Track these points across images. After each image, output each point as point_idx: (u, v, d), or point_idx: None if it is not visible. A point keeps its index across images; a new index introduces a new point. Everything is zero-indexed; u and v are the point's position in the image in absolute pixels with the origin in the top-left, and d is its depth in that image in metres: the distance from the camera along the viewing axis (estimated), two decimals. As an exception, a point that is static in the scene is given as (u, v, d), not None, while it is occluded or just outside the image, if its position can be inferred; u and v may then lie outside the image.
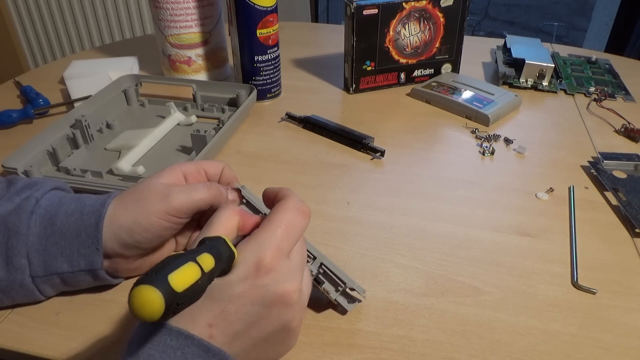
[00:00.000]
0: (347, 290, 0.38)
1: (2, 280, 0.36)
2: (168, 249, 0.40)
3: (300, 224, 0.32)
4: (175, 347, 0.26)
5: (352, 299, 0.38)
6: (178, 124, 0.64)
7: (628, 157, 0.57)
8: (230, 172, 0.41)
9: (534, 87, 0.75)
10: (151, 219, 0.35)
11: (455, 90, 0.70)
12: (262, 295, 0.29)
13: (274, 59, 0.69)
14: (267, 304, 0.29)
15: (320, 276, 0.37)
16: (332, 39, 0.94)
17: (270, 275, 0.29)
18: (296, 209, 0.32)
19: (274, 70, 0.70)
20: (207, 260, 0.27)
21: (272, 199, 0.35)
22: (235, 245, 0.30)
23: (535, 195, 0.53)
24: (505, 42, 0.85)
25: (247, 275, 0.29)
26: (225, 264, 0.29)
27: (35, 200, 0.37)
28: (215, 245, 0.29)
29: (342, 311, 0.39)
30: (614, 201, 0.51)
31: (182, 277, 0.25)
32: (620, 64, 0.84)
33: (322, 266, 0.37)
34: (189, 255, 0.27)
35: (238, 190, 0.39)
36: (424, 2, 0.69)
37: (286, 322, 0.30)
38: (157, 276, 0.24)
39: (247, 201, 0.38)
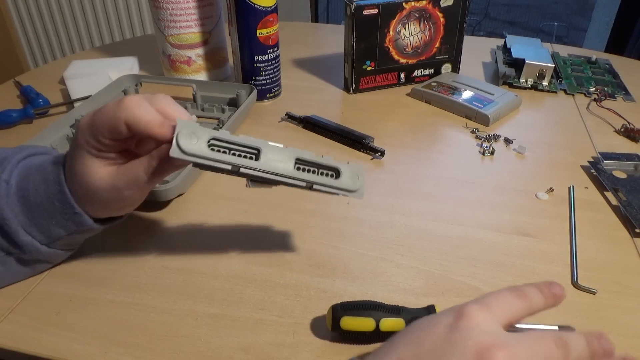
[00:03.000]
0: (343, 172, 0.36)
1: (27, 254, 0.38)
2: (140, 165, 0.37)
3: (519, 304, 0.29)
4: None
5: (353, 178, 0.37)
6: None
7: (628, 157, 0.57)
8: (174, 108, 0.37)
9: (534, 87, 0.75)
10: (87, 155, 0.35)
11: (455, 90, 0.70)
12: (457, 341, 0.26)
13: (274, 59, 0.69)
14: (461, 351, 0.26)
15: (305, 173, 0.35)
16: (332, 39, 0.94)
17: (470, 324, 0.26)
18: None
19: (274, 70, 0.70)
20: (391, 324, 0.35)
21: None
22: None
23: (535, 195, 0.53)
24: (505, 42, 0.85)
25: (446, 318, 0.27)
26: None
27: (5, 182, 0.37)
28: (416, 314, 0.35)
29: (358, 196, 0.37)
30: (614, 201, 0.51)
31: (352, 323, 0.35)
32: (620, 64, 0.84)
33: (299, 162, 0.35)
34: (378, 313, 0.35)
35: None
36: (424, 2, 0.69)
37: None
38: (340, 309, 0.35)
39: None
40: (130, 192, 0.36)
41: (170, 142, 0.33)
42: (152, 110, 0.34)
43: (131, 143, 0.37)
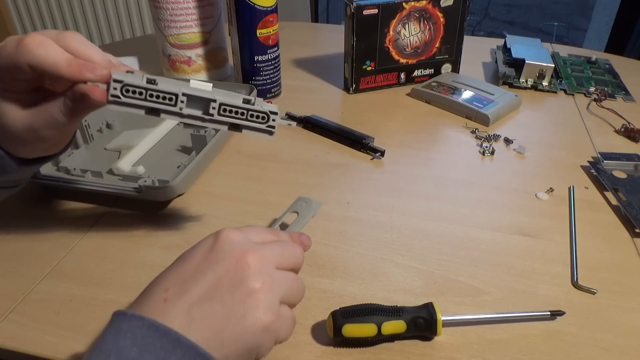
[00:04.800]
0: (266, 113, 0.36)
1: None
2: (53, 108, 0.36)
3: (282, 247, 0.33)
4: (126, 330, 0.26)
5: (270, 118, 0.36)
6: (178, 124, 0.64)
7: (628, 157, 0.57)
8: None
9: (534, 87, 0.75)
10: None
11: (455, 90, 0.70)
12: (216, 258, 0.29)
13: (274, 59, 0.69)
14: (220, 263, 0.29)
15: (229, 118, 0.35)
16: (332, 39, 0.94)
17: (227, 240, 0.30)
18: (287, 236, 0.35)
19: (274, 70, 0.70)
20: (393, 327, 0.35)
21: None
22: None
23: (535, 195, 0.53)
24: (505, 42, 0.85)
25: (205, 243, 0.30)
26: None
27: None
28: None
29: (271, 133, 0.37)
30: (614, 201, 0.51)
31: (354, 330, 0.35)
32: (620, 64, 0.84)
33: (223, 107, 0.34)
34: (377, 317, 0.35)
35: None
36: (424, 2, 0.69)
37: (242, 280, 0.29)
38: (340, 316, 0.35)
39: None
40: (49, 133, 0.34)
41: (83, 81, 0.32)
42: (57, 49, 0.32)
43: (42, 82, 0.34)
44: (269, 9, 0.65)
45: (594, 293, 0.41)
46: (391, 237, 0.47)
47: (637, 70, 0.83)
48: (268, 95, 0.71)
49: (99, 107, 0.34)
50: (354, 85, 0.73)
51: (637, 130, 0.63)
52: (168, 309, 0.27)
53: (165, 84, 0.33)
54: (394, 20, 0.69)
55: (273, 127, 0.37)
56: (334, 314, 0.35)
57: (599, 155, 0.57)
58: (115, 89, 0.32)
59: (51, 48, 0.32)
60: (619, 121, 0.66)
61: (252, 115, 0.35)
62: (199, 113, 0.34)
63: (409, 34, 0.71)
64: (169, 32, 0.71)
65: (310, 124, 0.64)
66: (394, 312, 0.35)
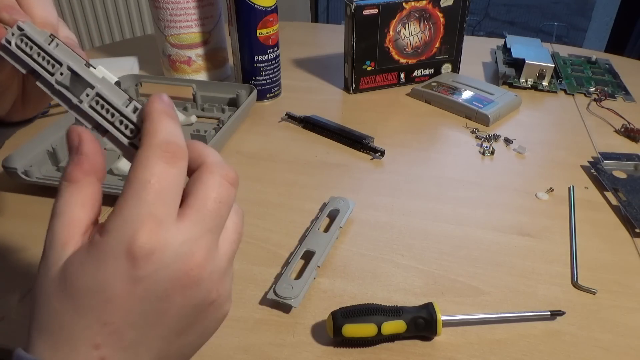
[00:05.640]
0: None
1: None
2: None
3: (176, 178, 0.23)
4: None
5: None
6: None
7: (628, 157, 0.57)
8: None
9: (534, 87, 0.75)
10: None
11: (455, 90, 0.70)
12: (150, 288, 0.21)
13: (274, 59, 0.69)
14: (162, 296, 0.22)
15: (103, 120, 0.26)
16: (332, 39, 0.94)
17: (153, 260, 0.21)
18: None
19: (274, 70, 0.70)
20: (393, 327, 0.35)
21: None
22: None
23: (535, 195, 0.53)
24: (505, 42, 0.85)
25: (118, 269, 0.21)
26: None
27: None
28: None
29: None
30: (614, 201, 0.51)
31: (354, 330, 0.35)
32: (620, 64, 0.84)
33: (97, 99, 0.26)
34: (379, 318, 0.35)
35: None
36: (424, 2, 0.69)
37: (201, 301, 0.23)
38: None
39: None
40: None
41: None
42: None
43: None
44: (269, 9, 0.65)
45: (594, 293, 0.41)
46: (391, 237, 0.47)
47: (637, 70, 0.83)
48: (268, 96, 0.71)
49: None
50: (354, 85, 0.73)
51: (637, 130, 0.63)
52: None
53: (64, 52, 0.28)
54: (394, 20, 0.69)
55: (136, 146, 0.25)
56: (334, 314, 0.35)
57: (599, 155, 0.57)
58: (12, 34, 0.28)
59: None
60: (619, 121, 0.66)
61: (122, 123, 0.26)
62: (69, 94, 0.27)
63: (409, 34, 0.71)
64: (169, 32, 0.71)
65: (310, 124, 0.64)
66: (394, 312, 0.35)
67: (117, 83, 0.27)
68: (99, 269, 0.21)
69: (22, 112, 0.37)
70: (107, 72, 0.27)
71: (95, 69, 0.27)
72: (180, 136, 0.24)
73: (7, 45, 0.28)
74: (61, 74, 0.27)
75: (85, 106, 0.26)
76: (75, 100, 0.27)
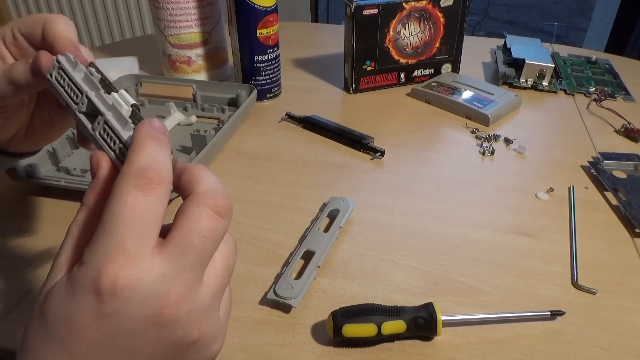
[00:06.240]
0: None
1: None
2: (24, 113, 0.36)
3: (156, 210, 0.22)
4: None
5: None
6: (178, 124, 0.64)
7: (628, 157, 0.57)
8: (62, 29, 0.31)
9: (534, 87, 0.75)
10: None
11: (455, 90, 0.70)
12: (118, 325, 0.20)
13: (274, 59, 0.69)
14: (132, 334, 0.21)
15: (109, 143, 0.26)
16: (332, 39, 0.94)
17: (120, 296, 0.20)
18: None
19: (274, 70, 0.70)
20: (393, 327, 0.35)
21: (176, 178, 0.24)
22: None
23: (535, 195, 0.53)
24: (505, 42, 0.85)
25: (85, 303, 0.20)
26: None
27: None
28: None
29: None
30: (614, 201, 0.51)
31: (354, 330, 0.35)
32: (620, 64, 0.84)
33: (105, 127, 0.26)
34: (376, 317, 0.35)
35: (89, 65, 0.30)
36: (424, 2, 0.69)
37: (179, 340, 0.22)
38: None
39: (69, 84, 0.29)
40: None
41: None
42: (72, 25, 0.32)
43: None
44: (269, 9, 0.65)
45: (594, 293, 0.41)
46: (391, 237, 0.47)
47: (637, 70, 0.83)
48: (268, 96, 0.71)
49: (37, 76, 0.31)
50: (354, 85, 0.73)
51: (637, 130, 0.63)
52: None
53: (89, 82, 0.29)
54: (394, 20, 0.69)
55: None
56: (334, 314, 0.35)
57: (599, 155, 0.57)
58: (54, 68, 0.30)
59: (69, 24, 0.32)
60: (619, 121, 0.66)
61: (120, 150, 0.25)
62: (87, 123, 0.28)
63: (409, 34, 0.71)
64: (169, 32, 0.71)
65: (310, 124, 0.64)
66: (394, 312, 0.35)
67: (134, 105, 0.27)
68: (70, 300, 0.20)
69: (23, 144, 0.38)
70: (126, 94, 0.28)
71: (117, 92, 0.28)
72: (164, 161, 0.22)
73: (50, 78, 0.30)
74: (82, 103, 0.28)
75: (96, 134, 0.27)
76: (89, 128, 0.28)
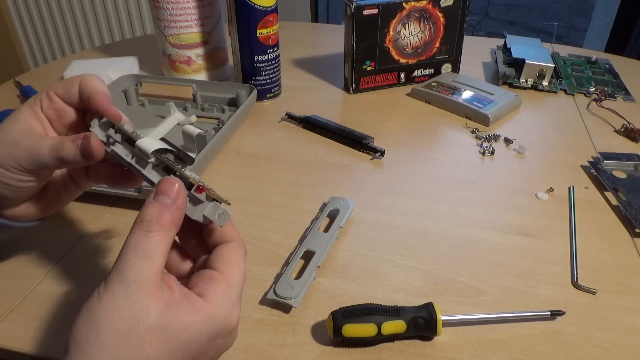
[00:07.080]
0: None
1: None
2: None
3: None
4: None
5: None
6: (178, 124, 0.64)
7: (628, 157, 0.57)
8: (98, 88, 0.33)
9: (534, 87, 0.75)
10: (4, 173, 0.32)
11: (455, 90, 0.70)
12: (222, 344, 0.28)
13: (274, 59, 0.69)
14: (224, 347, 0.29)
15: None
16: (332, 39, 0.94)
17: (233, 329, 0.28)
18: (243, 259, 0.30)
19: (274, 70, 0.70)
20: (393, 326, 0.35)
21: (211, 235, 0.30)
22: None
23: (535, 195, 0.53)
24: (505, 42, 0.85)
25: (213, 332, 0.27)
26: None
27: None
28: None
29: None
30: (614, 201, 0.51)
31: (354, 330, 0.35)
32: (620, 64, 0.84)
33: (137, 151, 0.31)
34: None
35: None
36: (424, 2, 0.69)
37: (221, 333, 0.28)
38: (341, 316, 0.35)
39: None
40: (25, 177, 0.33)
41: (101, 116, 0.32)
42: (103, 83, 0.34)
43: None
44: (269, 9, 0.65)
45: (594, 293, 0.41)
46: (391, 237, 0.47)
47: (637, 70, 0.83)
48: (268, 96, 0.71)
49: (86, 157, 0.33)
50: (354, 85, 0.73)
51: (637, 130, 0.63)
52: None
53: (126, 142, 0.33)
54: (394, 20, 0.69)
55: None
56: (334, 314, 0.35)
57: (599, 155, 0.57)
58: (111, 139, 0.33)
59: (100, 82, 0.34)
60: (619, 121, 0.66)
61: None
62: (156, 178, 0.32)
63: (409, 34, 0.71)
64: (169, 32, 0.71)
65: (310, 124, 0.64)
66: (394, 312, 0.35)
67: (154, 153, 0.31)
68: (208, 332, 0.26)
69: (26, 211, 0.38)
70: (151, 139, 0.32)
71: (142, 138, 0.32)
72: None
73: (110, 149, 0.33)
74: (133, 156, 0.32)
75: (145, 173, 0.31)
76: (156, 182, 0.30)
